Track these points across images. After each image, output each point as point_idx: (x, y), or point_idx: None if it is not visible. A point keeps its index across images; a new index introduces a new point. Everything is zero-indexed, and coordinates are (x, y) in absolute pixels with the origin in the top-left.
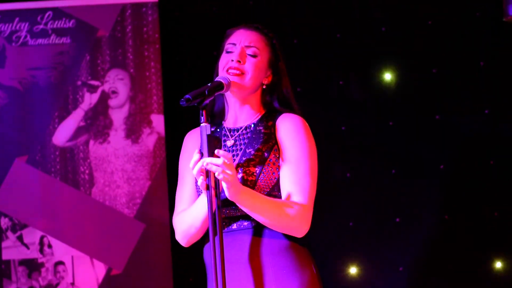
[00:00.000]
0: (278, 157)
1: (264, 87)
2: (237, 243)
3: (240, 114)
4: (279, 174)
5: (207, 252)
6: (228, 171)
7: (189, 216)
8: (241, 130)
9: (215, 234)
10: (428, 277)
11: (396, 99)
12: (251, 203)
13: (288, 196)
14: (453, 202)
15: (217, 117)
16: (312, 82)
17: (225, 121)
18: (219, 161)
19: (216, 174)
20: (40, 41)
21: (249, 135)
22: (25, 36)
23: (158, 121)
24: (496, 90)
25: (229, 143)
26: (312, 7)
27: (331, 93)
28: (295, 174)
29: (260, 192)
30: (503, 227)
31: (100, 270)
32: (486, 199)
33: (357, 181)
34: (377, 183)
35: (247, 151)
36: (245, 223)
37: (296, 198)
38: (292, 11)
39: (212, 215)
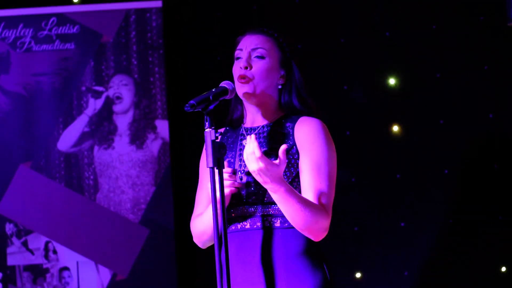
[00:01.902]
0: (296, 159)
1: (279, 86)
2: (250, 243)
3: (257, 115)
4: (294, 176)
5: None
6: (260, 163)
7: (202, 224)
8: (258, 129)
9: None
10: (433, 281)
11: (401, 103)
12: (281, 198)
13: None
14: (458, 207)
15: (236, 121)
16: (317, 86)
17: (244, 123)
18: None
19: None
20: (44, 47)
21: (265, 134)
22: (30, 42)
23: (162, 126)
24: (500, 94)
25: (245, 142)
26: (316, 12)
27: (335, 97)
28: (315, 180)
29: None
30: (508, 231)
31: (105, 275)
32: (490, 203)
33: (362, 186)
34: (382, 188)
35: (263, 150)
36: (258, 223)
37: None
38: (296, 15)
39: (218, 218)
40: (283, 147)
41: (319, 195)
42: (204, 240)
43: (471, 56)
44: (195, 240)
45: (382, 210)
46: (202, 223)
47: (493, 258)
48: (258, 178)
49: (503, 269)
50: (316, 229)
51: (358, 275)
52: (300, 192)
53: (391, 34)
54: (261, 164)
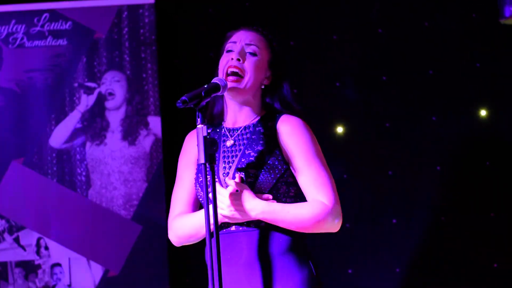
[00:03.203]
0: (280, 160)
1: (262, 87)
2: (236, 244)
3: (239, 114)
4: (278, 177)
5: (208, 253)
6: (232, 209)
7: (191, 227)
8: (241, 130)
9: (211, 237)
10: (424, 278)
11: (393, 100)
12: (273, 220)
13: (314, 199)
14: (450, 203)
15: (216, 118)
16: (309, 83)
17: (224, 121)
18: (225, 201)
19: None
20: (36, 43)
21: (248, 135)
22: (22, 38)
23: (155, 123)
24: (493, 92)
25: (229, 143)
26: (308, 9)
27: (327, 94)
28: (311, 177)
29: (258, 192)
30: (499, 228)
31: (97, 272)
32: (482, 200)
33: (353, 183)
34: (374, 185)
35: (246, 152)
36: (244, 225)
37: (321, 198)
38: (288, 12)
39: (209, 217)
40: (236, 180)
41: (322, 189)
42: (191, 241)
43: (464, 54)
44: (174, 239)
45: (374, 207)
46: (191, 226)
47: (485, 255)
48: (237, 217)
49: (495, 265)
50: (327, 226)
51: (350, 271)
52: (293, 192)
53: (383, 31)
54: (232, 209)
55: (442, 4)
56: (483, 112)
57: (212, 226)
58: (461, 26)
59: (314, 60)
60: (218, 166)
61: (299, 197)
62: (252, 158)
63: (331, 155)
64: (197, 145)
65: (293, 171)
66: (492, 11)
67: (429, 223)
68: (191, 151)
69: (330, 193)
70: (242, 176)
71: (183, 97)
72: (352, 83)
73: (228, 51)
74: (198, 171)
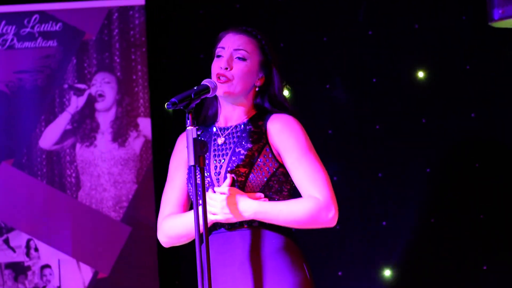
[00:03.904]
0: (270, 158)
1: (256, 89)
2: (229, 244)
3: (231, 114)
4: (269, 175)
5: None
6: (225, 211)
7: (182, 227)
8: (231, 128)
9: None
10: (415, 280)
11: (382, 102)
12: (267, 220)
13: (309, 195)
14: (439, 205)
15: (210, 119)
16: (298, 85)
17: (217, 121)
18: (216, 204)
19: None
20: (26, 44)
21: (238, 134)
22: (12, 39)
23: (145, 124)
24: (482, 94)
25: (220, 141)
26: (298, 11)
27: (317, 96)
28: (304, 172)
29: (250, 191)
30: (489, 229)
31: (86, 273)
32: (472, 202)
33: (343, 185)
34: (364, 187)
35: (237, 150)
36: (236, 225)
37: (316, 193)
38: (278, 14)
39: (199, 218)
40: (227, 182)
41: (316, 183)
42: (181, 242)
43: (453, 56)
44: (163, 239)
45: (364, 209)
46: (181, 226)
47: (475, 257)
48: (230, 219)
49: (485, 267)
50: (323, 220)
51: (340, 273)
52: (286, 191)
53: (373, 33)
54: (226, 211)
55: (432, 6)
56: (472, 114)
57: (201, 227)
58: (451, 28)
59: (304, 62)
60: (209, 165)
61: (293, 195)
62: (242, 156)
63: (321, 157)
64: (187, 147)
65: (286, 168)
66: (481, 13)
67: (419, 225)
68: (182, 152)
69: (324, 187)
70: (234, 176)
71: (173, 99)
72: (342, 85)
73: (218, 56)
74: (189, 171)
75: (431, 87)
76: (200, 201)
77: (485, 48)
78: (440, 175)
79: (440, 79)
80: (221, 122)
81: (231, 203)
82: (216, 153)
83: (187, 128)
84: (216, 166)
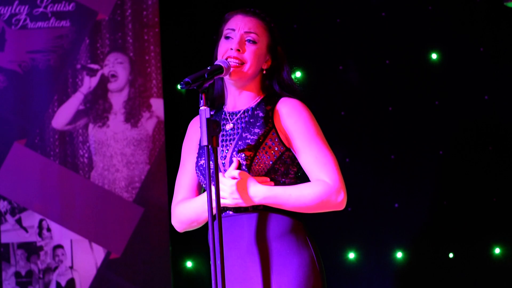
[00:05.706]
0: (277, 142)
1: (264, 72)
2: (235, 228)
3: (239, 98)
4: (275, 159)
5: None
6: (234, 196)
7: (192, 212)
8: (240, 113)
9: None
10: (426, 263)
11: (395, 84)
12: (276, 204)
13: (317, 179)
14: (452, 188)
15: (217, 100)
16: (311, 67)
17: (225, 105)
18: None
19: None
20: (39, 24)
21: (246, 119)
22: (25, 19)
23: (157, 105)
24: (496, 76)
25: (228, 126)
26: None
27: (330, 78)
28: (312, 156)
29: (255, 175)
30: (501, 213)
31: (99, 254)
32: (484, 185)
33: (356, 166)
34: (376, 169)
35: (244, 135)
36: (242, 208)
37: (325, 177)
38: None
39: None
40: (234, 166)
41: (324, 167)
42: (192, 226)
43: (467, 37)
44: (176, 224)
45: (376, 191)
46: (193, 211)
47: (487, 240)
48: (240, 204)
49: (497, 250)
50: (331, 204)
51: (351, 255)
52: (292, 174)
53: (386, 15)
54: (235, 196)
55: None
56: (485, 96)
57: (214, 209)
58: (465, 10)
59: (317, 44)
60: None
61: (300, 178)
62: (249, 141)
63: (334, 138)
64: (200, 127)
65: (294, 152)
66: None
67: (431, 207)
68: (194, 137)
69: (333, 171)
70: (239, 159)
71: (186, 79)
72: (355, 67)
73: (227, 37)
74: (198, 155)
75: (444, 69)
76: (213, 183)
77: (500, 29)
78: (452, 157)
79: (453, 61)
80: (229, 106)
81: (241, 188)
82: (224, 138)
83: (200, 108)
84: (222, 151)
